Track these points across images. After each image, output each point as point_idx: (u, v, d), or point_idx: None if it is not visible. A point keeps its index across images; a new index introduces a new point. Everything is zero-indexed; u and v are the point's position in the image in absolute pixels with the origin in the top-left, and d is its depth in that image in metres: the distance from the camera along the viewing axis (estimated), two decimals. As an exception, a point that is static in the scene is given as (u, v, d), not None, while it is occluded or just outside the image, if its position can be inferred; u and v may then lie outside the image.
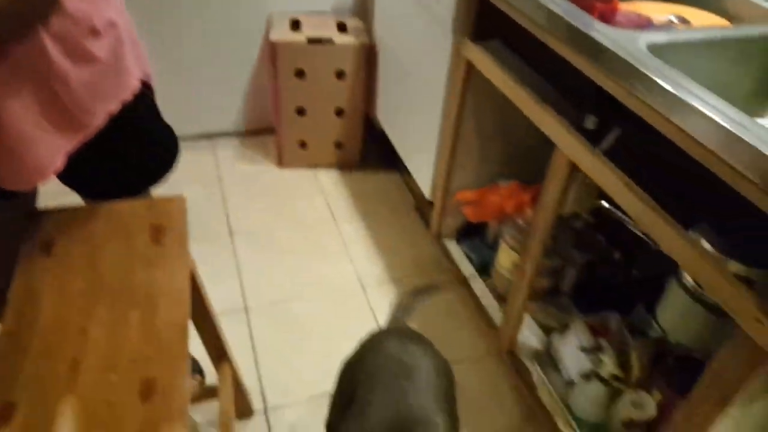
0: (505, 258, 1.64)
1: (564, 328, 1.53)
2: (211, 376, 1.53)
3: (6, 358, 0.88)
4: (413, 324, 1.41)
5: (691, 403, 1.02)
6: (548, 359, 1.57)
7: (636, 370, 1.36)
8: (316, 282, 2.01)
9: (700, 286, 1.18)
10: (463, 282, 1.86)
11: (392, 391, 1.07)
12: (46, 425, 0.80)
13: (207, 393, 1.49)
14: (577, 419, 1.44)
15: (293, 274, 2.04)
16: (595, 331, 1.44)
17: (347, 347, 1.79)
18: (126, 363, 0.89)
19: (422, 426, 1.01)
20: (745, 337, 0.89)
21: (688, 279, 1.20)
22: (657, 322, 1.34)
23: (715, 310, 1.16)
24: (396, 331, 1.28)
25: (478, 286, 1.81)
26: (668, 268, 1.30)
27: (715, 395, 0.97)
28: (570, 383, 1.49)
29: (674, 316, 1.28)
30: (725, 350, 0.94)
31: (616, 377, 1.36)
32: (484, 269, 1.81)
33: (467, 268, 1.85)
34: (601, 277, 1.60)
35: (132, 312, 0.96)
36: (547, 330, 1.60)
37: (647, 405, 1.30)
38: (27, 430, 0.79)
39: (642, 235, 1.32)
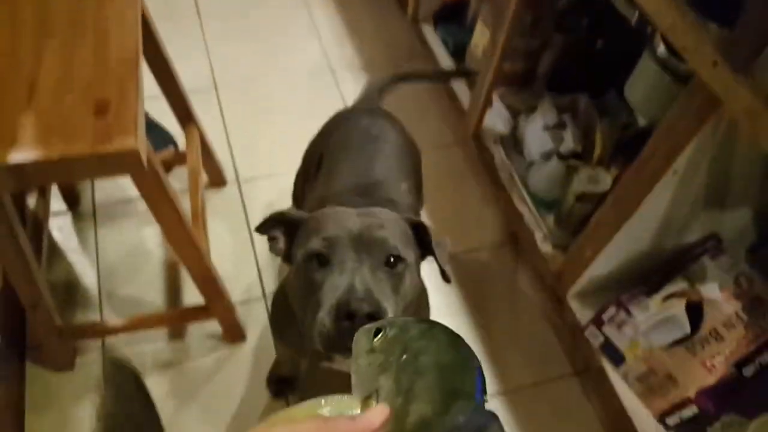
0: (480, 37, 1.60)
1: (532, 110, 1.53)
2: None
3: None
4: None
5: (640, 160, 1.06)
6: (512, 142, 1.60)
7: (598, 149, 1.40)
8: (285, 63, 1.97)
9: (670, 53, 1.17)
10: (435, 66, 1.83)
11: (359, 156, 1.10)
12: (9, 133, 0.82)
13: (180, 159, 1.52)
14: (532, 196, 1.50)
15: (262, 55, 1.99)
16: (563, 110, 1.45)
17: (314, 126, 1.82)
18: (80, 86, 0.90)
19: (385, 187, 1.05)
20: (700, 86, 0.90)
21: (659, 48, 1.18)
22: (625, 99, 1.35)
23: (681, 78, 1.16)
24: (365, 109, 1.28)
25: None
26: (641, 45, 1.28)
27: (663, 151, 1.01)
28: (531, 164, 1.54)
29: (643, 89, 1.28)
30: (678, 102, 0.96)
31: (574, 154, 1.39)
32: (459, 54, 1.77)
33: (441, 53, 1.81)
34: (578, 62, 1.58)
35: (84, 42, 0.95)
36: (515, 114, 1.61)
37: (602, 180, 1.35)
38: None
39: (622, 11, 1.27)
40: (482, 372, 0.43)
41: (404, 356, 0.43)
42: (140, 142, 0.85)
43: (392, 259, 0.73)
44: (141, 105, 0.89)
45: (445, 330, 0.45)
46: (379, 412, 0.42)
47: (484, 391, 0.42)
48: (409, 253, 0.76)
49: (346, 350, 0.54)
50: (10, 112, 0.85)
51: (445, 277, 0.83)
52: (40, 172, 0.83)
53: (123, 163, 0.84)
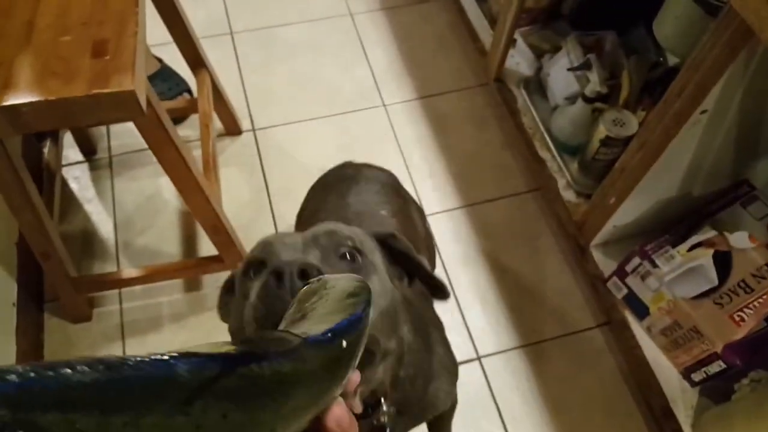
0: (503, -26, 1.51)
1: (557, 50, 1.45)
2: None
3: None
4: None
5: (666, 99, 0.99)
6: (536, 85, 1.53)
7: (625, 90, 1.32)
8: (303, 6, 1.91)
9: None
10: (458, 6, 1.75)
11: (335, 196, 1.03)
12: (4, 74, 0.80)
13: (194, 107, 1.49)
14: (555, 142, 1.44)
15: (279, -1, 1.93)
16: (589, 50, 1.37)
17: (331, 72, 1.78)
18: (78, 26, 0.87)
19: (365, 217, 0.97)
20: (732, 15, 0.82)
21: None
22: (654, 37, 1.27)
23: (714, 11, 1.08)
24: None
25: (473, 9, 1.70)
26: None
27: (691, 88, 0.94)
28: (554, 108, 1.47)
29: (673, 24, 1.19)
30: (707, 36, 0.88)
31: (600, 96, 1.32)
32: (482, -8, 1.69)
33: (464, -8, 1.73)
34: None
35: (83, -20, 0.91)
36: (540, 55, 1.53)
37: (629, 123, 1.28)
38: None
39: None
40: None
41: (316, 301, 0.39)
42: (138, 84, 0.82)
43: (349, 254, 0.55)
44: (141, 45, 0.86)
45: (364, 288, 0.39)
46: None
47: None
48: (373, 253, 0.59)
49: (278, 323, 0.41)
50: (7, 54, 0.83)
51: (439, 291, 0.67)
52: (37, 116, 0.81)
53: (120, 105, 0.82)
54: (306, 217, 1.06)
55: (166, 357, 0.23)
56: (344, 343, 0.32)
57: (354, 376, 0.36)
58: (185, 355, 0.24)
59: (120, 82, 0.80)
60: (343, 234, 0.57)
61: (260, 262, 0.54)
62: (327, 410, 0.32)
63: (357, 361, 0.34)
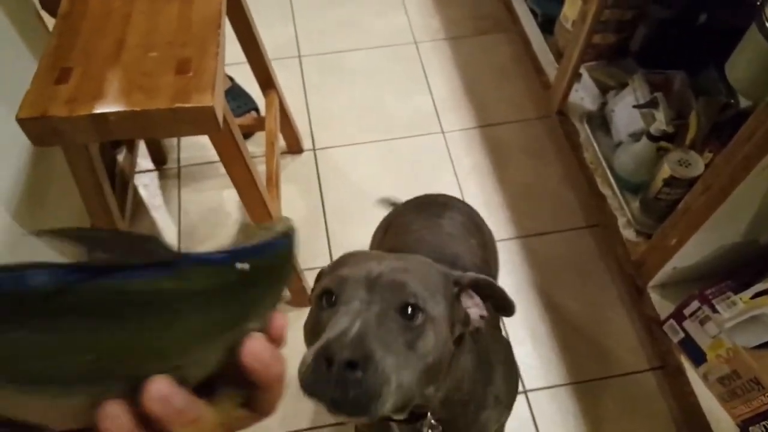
0: (571, 9, 1.51)
1: (623, 87, 1.44)
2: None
3: (62, 34, 0.94)
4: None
5: (735, 142, 0.98)
6: (600, 121, 1.52)
7: (692, 131, 1.30)
8: (369, 33, 1.96)
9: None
10: (523, 39, 1.76)
11: (427, 216, 1.06)
12: (96, 86, 0.87)
13: (260, 125, 1.55)
14: (617, 178, 1.42)
15: (347, 24, 1.99)
16: (656, 88, 1.36)
17: (393, 98, 1.81)
18: (164, 44, 0.93)
19: (455, 241, 1.00)
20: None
21: (769, 21, 1.07)
22: (725, 78, 1.24)
23: (791, 55, 1.06)
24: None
25: (538, 43, 1.71)
26: (749, 19, 1.17)
27: (762, 132, 0.92)
28: (618, 144, 1.46)
29: (746, 66, 1.17)
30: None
31: (666, 135, 1.30)
32: (548, 26, 1.69)
33: (529, 24, 1.74)
34: (676, 37, 1.47)
35: (170, 4, 0.98)
36: (605, 90, 1.52)
37: (695, 164, 1.25)
38: (80, 88, 0.87)
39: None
40: None
41: None
42: (217, 101, 0.86)
43: (410, 309, 0.59)
44: (221, 66, 0.91)
45: None
46: None
47: None
48: (435, 307, 0.61)
49: (320, 396, 0.52)
50: (100, 68, 0.89)
51: (507, 309, 0.70)
52: (121, 125, 0.86)
53: (199, 120, 0.86)
54: (396, 225, 1.08)
55: (19, 267, 0.21)
56: (243, 267, 0.29)
57: (279, 320, 0.33)
58: (39, 266, 0.22)
59: (200, 98, 0.85)
60: (409, 290, 0.60)
61: (331, 293, 0.61)
62: (239, 344, 0.30)
63: (275, 296, 0.32)
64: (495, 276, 1.13)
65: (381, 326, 0.56)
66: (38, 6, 1.27)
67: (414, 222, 1.05)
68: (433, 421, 0.70)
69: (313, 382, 0.53)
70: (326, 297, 0.61)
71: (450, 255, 0.93)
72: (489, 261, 1.05)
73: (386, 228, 1.12)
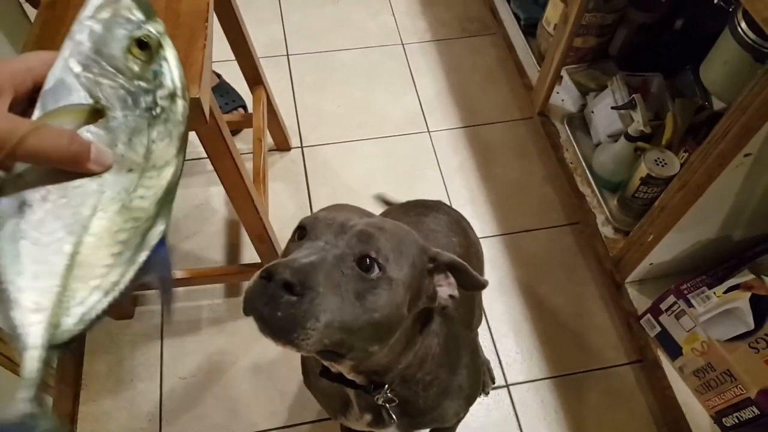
0: (553, 13, 1.55)
1: (602, 89, 1.48)
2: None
3: (46, 23, 0.94)
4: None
5: (710, 140, 1.01)
6: (580, 122, 1.55)
7: (669, 131, 1.34)
8: (356, 32, 1.99)
9: (752, 31, 1.10)
10: (507, 42, 1.80)
11: (413, 215, 1.07)
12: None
13: (248, 122, 1.56)
14: (596, 178, 1.46)
15: (334, 23, 2.01)
16: (635, 90, 1.39)
17: (381, 97, 1.83)
18: (152, 38, 0.93)
19: (436, 236, 1.01)
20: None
21: (741, 25, 1.11)
22: (701, 81, 1.28)
23: (762, 58, 1.09)
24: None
25: (521, 46, 1.74)
26: (722, 24, 1.21)
27: (736, 130, 0.95)
28: (597, 145, 1.49)
29: (720, 69, 1.20)
30: (755, 80, 0.90)
31: (643, 135, 1.34)
32: (531, 30, 1.73)
33: (512, 28, 1.78)
34: (654, 41, 1.51)
35: (159, -2, 0.99)
36: (585, 92, 1.56)
37: (671, 163, 1.29)
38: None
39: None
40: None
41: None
42: (203, 94, 0.87)
43: (368, 261, 0.58)
44: (208, 59, 0.92)
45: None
46: (103, 155, 0.42)
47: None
48: (396, 270, 0.60)
49: (252, 311, 0.52)
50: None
51: (478, 287, 0.70)
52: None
53: (186, 112, 0.88)
54: None
55: None
56: None
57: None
58: None
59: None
60: (377, 244, 0.59)
61: (304, 228, 0.62)
62: None
63: None
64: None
65: (335, 268, 0.56)
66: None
67: (400, 219, 1.05)
68: (389, 393, 0.71)
69: (250, 297, 0.53)
70: (299, 232, 0.62)
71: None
72: (469, 263, 1.05)
73: None
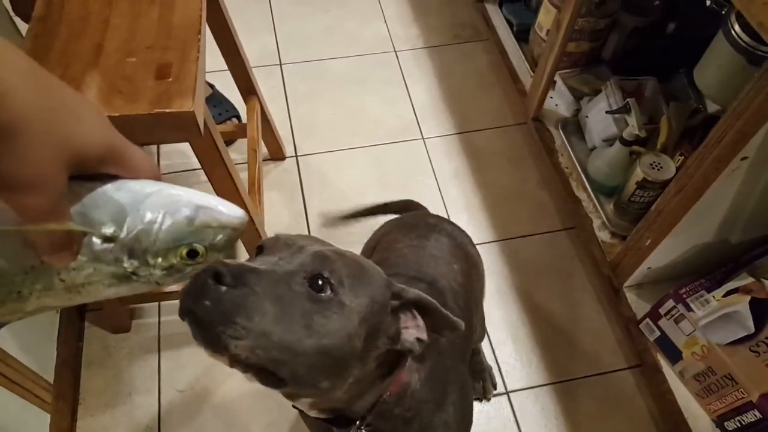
0: (545, 18, 1.55)
1: (596, 93, 1.48)
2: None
3: (38, 37, 0.93)
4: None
5: (706, 145, 1.01)
6: (574, 126, 1.55)
7: (663, 135, 1.34)
8: (349, 41, 1.98)
9: (745, 34, 1.10)
10: (500, 48, 1.80)
11: (414, 236, 1.03)
12: (74, 89, 0.86)
13: (242, 132, 1.56)
14: (592, 182, 1.46)
15: (326, 32, 2.01)
16: (629, 94, 1.39)
17: (374, 105, 1.83)
18: (144, 49, 0.93)
19: (436, 263, 0.97)
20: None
21: (735, 28, 1.11)
22: (695, 84, 1.28)
23: (756, 61, 1.09)
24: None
25: (514, 51, 1.74)
26: (716, 27, 1.21)
27: (732, 134, 0.95)
28: (592, 149, 1.49)
29: (714, 73, 1.21)
30: (751, 84, 0.90)
31: (638, 139, 1.34)
32: (523, 35, 1.73)
33: (505, 33, 1.78)
34: (647, 45, 1.51)
35: (151, 8, 0.98)
36: (579, 97, 1.56)
37: (666, 167, 1.29)
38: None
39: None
40: None
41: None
42: (197, 106, 0.87)
43: (320, 281, 0.53)
44: (201, 71, 0.92)
45: None
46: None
47: None
48: (351, 297, 0.55)
49: (182, 305, 0.47)
50: (77, 72, 0.89)
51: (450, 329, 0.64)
52: (102, 131, 0.86)
53: (180, 125, 0.87)
54: (384, 243, 1.06)
55: None
56: None
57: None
58: None
59: (181, 103, 0.86)
60: (332, 265, 0.55)
61: (262, 248, 0.58)
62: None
63: None
64: (478, 303, 1.10)
65: (282, 281, 0.51)
66: (10, 10, 1.26)
67: (400, 241, 1.03)
68: (365, 429, 0.66)
69: (182, 297, 0.48)
70: (257, 250, 0.59)
71: (428, 275, 0.90)
72: (469, 288, 1.00)
73: (374, 246, 1.11)
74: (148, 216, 0.40)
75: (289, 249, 0.57)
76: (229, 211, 0.42)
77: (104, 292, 0.42)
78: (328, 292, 0.53)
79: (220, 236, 0.42)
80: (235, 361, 0.49)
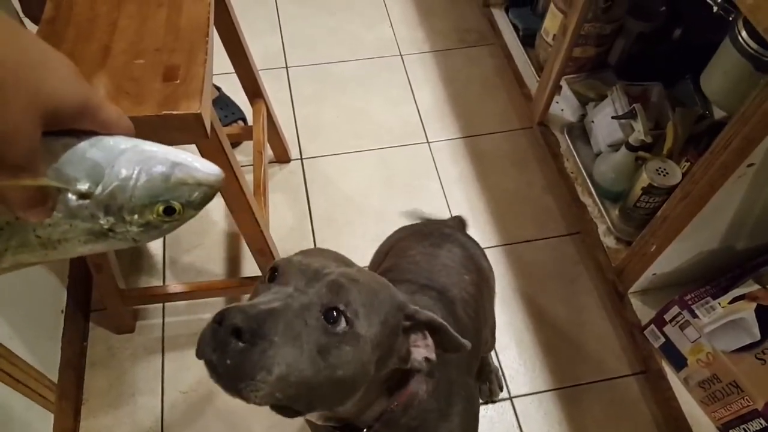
0: (552, 23, 1.55)
1: (602, 98, 1.48)
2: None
3: (46, 40, 0.93)
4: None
5: (712, 151, 1.00)
6: (579, 131, 1.55)
7: (669, 141, 1.33)
8: (355, 44, 1.99)
9: (753, 40, 1.10)
10: (505, 52, 1.80)
11: (428, 244, 1.03)
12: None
13: (247, 134, 1.56)
14: (597, 187, 1.45)
15: (332, 35, 2.01)
16: (635, 99, 1.39)
17: (379, 108, 1.83)
18: (151, 51, 0.93)
19: (447, 273, 0.97)
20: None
21: (742, 34, 1.11)
22: (701, 90, 1.28)
23: (763, 67, 1.09)
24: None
25: (520, 56, 1.75)
26: (722, 33, 1.21)
27: (738, 141, 0.95)
28: (597, 154, 1.49)
29: (721, 79, 1.20)
30: (757, 91, 0.90)
31: (644, 145, 1.33)
32: (529, 40, 1.73)
33: (511, 38, 1.78)
34: (653, 51, 1.51)
35: (159, 10, 0.98)
36: (584, 102, 1.56)
37: (672, 173, 1.29)
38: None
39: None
40: None
41: None
42: (204, 108, 0.87)
43: (335, 314, 0.55)
44: (209, 73, 0.92)
45: None
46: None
47: None
48: (365, 327, 0.57)
49: (202, 355, 0.49)
50: (85, 73, 0.89)
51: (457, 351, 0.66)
52: (109, 132, 0.87)
53: (186, 127, 0.87)
54: (397, 249, 1.06)
55: None
56: None
57: None
58: None
59: (188, 105, 0.86)
60: (347, 296, 0.56)
61: (276, 270, 0.59)
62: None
63: None
64: (488, 315, 1.10)
65: (298, 317, 0.53)
66: (20, 12, 1.27)
67: (413, 248, 1.03)
68: None
69: (202, 340, 0.50)
70: (270, 272, 0.59)
71: (439, 283, 0.91)
72: (479, 300, 1.00)
73: (387, 251, 1.11)
74: (124, 172, 0.40)
75: (303, 276, 0.57)
76: (205, 168, 0.42)
77: (80, 248, 0.42)
78: (344, 324, 0.55)
79: (196, 193, 0.42)
80: (252, 403, 0.51)
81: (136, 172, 0.40)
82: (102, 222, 0.40)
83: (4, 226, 0.39)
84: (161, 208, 0.41)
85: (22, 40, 0.35)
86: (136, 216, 0.41)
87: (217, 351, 0.48)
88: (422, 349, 0.64)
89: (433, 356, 0.64)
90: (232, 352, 0.48)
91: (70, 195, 0.39)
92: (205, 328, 0.50)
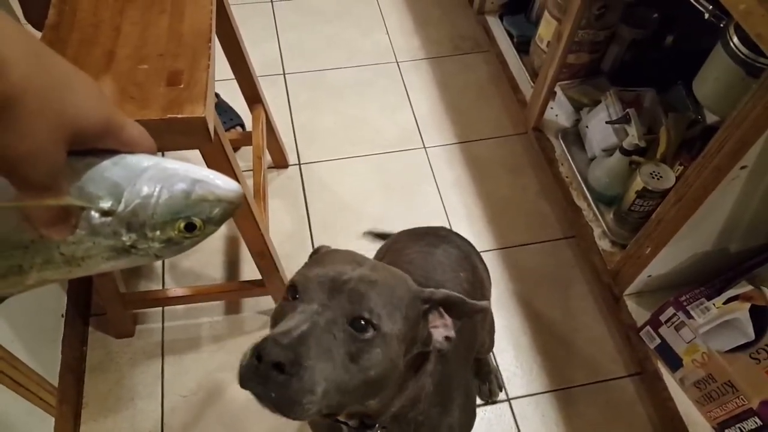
0: (546, 30, 1.58)
1: (596, 104, 1.50)
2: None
3: (51, 45, 0.94)
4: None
5: (705, 154, 1.02)
6: (574, 136, 1.57)
7: (663, 145, 1.36)
8: (351, 51, 2.01)
9: (744, 45, 1.12)
10: (500, 59, 1.82)
11: (423, 243, 1.06)
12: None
13: (246, 140, 1.57)
14: (592, 191, 1.47)
15: (329, 42, 2.03)
16: (628, 105, 1.42)
17: (376, 114, 1.85)
18: (155, 57, 0.94)
19: (443, 269, 1.00)
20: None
21: (733, 40, 1.14)
22: (693, 95, 1.31)
23: (755, 72, 1.11)
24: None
25: (515, 62, 1.77)
26: (713, 40, 1.23)
27: (731, 144, 0.97)
28: (592, 159, 1.51)
29: (713, 84, 1.23)
30: (749, 95, 0.92)
31: (638, 149, 1.36)
32: (524, 47, 1.76)
33: (505, 45, 1.80)
34: (646, 56, 1.54)
35: (161, 16, 1.00)
36: (578, 108, 1.58)
37: (666, 176, 1.31)
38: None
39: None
40: None
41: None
42: (208, 112, 0.88)
43: (362, 322, 0.58)
44: (212, 78, 0.93)
45: None
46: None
47: None
48: (390, 325, 0.60)
49: (249, 388, 0.53)
50: (88, 74, 0.90)
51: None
52: (114, 136, 0.88)
53: (190, 131, 0.88)
54: (394, 249, 1.09)
55: None
56: None
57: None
58: None
59: (192, 109, 0.87)
60: (368, 304, 0.59)
61: (295, 288, 0.61)
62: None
63: None
64: (485, 315, 1.12)
65: (327, 332, 0.57)
66: (22, 19, 1.28)
67: (410, 248, 1.05)
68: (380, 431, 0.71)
69: (245, 374, 0.54)
70: (291, 290, 0.62)
71: (434, 281, 0.93)
72: (475, 298, 0.96)
73: (384, 253, 1.13)
74: (145, 190, 0.41)
75: (323, 289, 0.60)
76: (226, 185, 0.43)
77: (103, 265, 0.43)
78: (371, 332, 0.59)
79: (216, 210, 0.43)
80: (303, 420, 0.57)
81: (157, 189, 0.41)
82: (124, 239, 0.41)
83: (29, 244, 0.40)
84: (182, 225, 0.42)
85: (46, 62, 0.36)
86: (157, 232, 0.41)
87: (262, 385, 0.53)
88: (441, 329, 0.67)
89: (452, 334, 0.67)
90: (277, 385, 0.52)
91: (93, 213, 0.40)
92: (243, 362, 0.54)
